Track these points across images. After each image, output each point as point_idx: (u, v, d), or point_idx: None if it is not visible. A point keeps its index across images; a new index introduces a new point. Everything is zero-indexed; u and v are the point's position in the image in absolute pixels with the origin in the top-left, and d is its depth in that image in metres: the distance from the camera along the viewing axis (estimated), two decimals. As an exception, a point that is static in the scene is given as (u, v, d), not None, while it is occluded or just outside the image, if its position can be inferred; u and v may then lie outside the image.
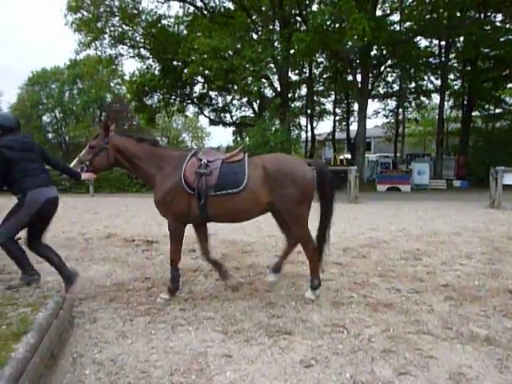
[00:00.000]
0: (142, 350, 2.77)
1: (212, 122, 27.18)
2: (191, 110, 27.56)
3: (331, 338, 2.95)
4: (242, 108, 27.98)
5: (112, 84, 35.75)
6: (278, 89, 21.20)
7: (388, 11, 22.24)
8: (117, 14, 20.34)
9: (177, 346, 2.84)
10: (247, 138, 21.13)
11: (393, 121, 29.54)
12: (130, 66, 57.05)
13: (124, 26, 20.93)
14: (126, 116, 33.45)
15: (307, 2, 19.38)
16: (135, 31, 21.57)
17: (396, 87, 26.97)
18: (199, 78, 22.60)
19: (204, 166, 3.71)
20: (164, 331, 3.08)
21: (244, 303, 3.68)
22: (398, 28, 21.20)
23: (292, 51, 17.69)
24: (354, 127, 28.48)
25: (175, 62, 21.82)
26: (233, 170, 3.72)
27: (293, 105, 26.36)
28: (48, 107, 37.69)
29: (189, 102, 25.75)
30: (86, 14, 19.45)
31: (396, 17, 21.92)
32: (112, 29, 20.58)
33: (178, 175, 3.73)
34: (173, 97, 24.82)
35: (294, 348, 2.80)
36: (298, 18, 21.30)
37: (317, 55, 23.04)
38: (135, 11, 20.80)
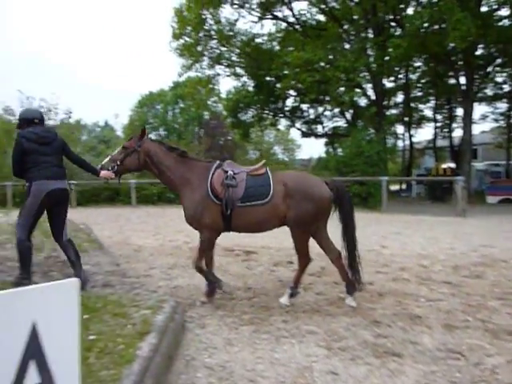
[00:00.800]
0: (248, 359, 2.85)
1: (304, 134, 27.29)
2: (283, 123, 28.05)
3: (447, 365, 2.72)
4: (334, 118, 27.67)
5: (209, 102, 38.11)
6: (373, 97, 20.54)
7: (495, 6, 20.25)
8: (214, 36, 21.70)
9: (282, 357, 2.87)
10: (339, 149, 20.81)
11: (504, 125, 26.57)
12: (226, 84, 60.52)
13: (221, 48, 22.22)
14: (222, 132, 35.29)
15: (402, 6, 18.57)
16: (231, 51, 22.75)
17: (507, 88, 24.27)
18: (291, 92, 22.94)
19: (231, 177, 3.84)
20: (268, 342, 3.13)
21: (347, 319, 3.58)
22: (507, 23, 19.13)
23: (387, 58, 17.05)
24: (457, 133, 26.31)
25: (268, 78, 22.46)
26: (258, 183, 3.86)
27: (388, 113, 25.26)
28: (154, 126, 41.46)
29: (281, 115, 26.25)
30: (187, 39, 21.10)
31: (505, 11, 19.83)
32: (210, 51, 21.99)
33: (206, 186, 3.86)
34: (266, 111, 25.53)
35: (405, 372, 2.64)
36: (393, 24, 20.49)
37: (414, 59, 21.83)
38: (231, 33, 21.98)
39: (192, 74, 23.86)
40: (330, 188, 3.92)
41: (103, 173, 4.15)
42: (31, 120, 4.06)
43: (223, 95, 32.54)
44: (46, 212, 4.03)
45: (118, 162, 4.09)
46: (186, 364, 2.79)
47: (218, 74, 23.67)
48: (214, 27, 21.54)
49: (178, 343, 3.00)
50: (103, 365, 2.20)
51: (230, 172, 3.89)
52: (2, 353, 1.41)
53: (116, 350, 2.36)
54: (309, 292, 4.42)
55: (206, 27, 21.23)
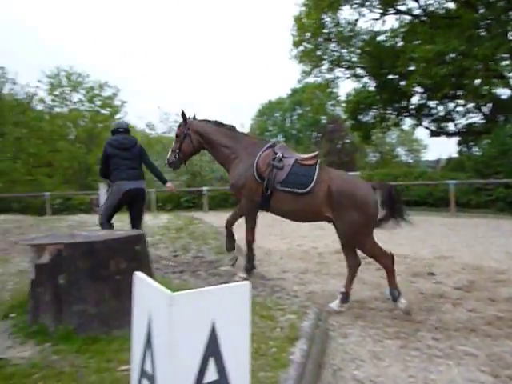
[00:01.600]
0: (399, 376, 2.67)
1: (433, 134, 25.10)
2: (408, 122, 26.22)
3: None
4: (468, 114, 24.85)
5: (327, 106, 37.88)
6: (518, 87, 17.88)
7: None
8: (334, 39, 21.47)
9: (439, 379, 2.61)
10: (476, 148, 18.57)
11: None
12: (345, 87, 59.34)
13: (341, 50, 21.87)
14: (340, 135, 34.67)
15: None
16: (351, 53, 22.23)
17: None
18: (417, 89, 21.36)
19: (278, 159, 3.86)
20: (419, 360, 2.89)
21: (511, 343, 3.11)
22: None
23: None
24: None
25: (391, 76, 21.31)
26: (302, 172, 3.81)
27: (538, 104, 21.72)
28: (273, 133, 42.82)
29: (406, 114, 24.61)
30: (307, 45, 21.29)
31: None
32: (330, 54, 21.83)
33: (252, 163, 3.92)
34: (388, 111, 24.24)
35: None
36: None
37: None
38: (351, 33, 21.49)
39: (311, 79, 24.00)
40: (378, 192, 3.78)
41: (168, 185, 4.83)
42: (117, 129, 4.74)
43: (342, 98, 31.92)
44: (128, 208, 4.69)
45: (177, 151, 4.38)
46: (334, 374, 2.74)
47: (338, 77, 23.31)
48: (334, 30, 21.31)
49: (324, 351, 2.96)
50: (260, 366, 2.28)
51: (279, 154, 3.92)
52: (188, 349, 1.54)
53: (269, 353, 2.43)
54: (458, 308, 3.98)
55: (326, 31, 21.13)
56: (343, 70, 23.04)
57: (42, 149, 27.59)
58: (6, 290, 3.41)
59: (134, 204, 4.66)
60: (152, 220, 7.57)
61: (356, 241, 3.81)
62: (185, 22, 76.23)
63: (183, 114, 4.44)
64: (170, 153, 4.56)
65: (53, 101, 28.75)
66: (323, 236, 9.18)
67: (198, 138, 4.35)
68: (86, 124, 29.19)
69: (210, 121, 4.48)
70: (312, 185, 3.76)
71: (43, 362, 2.33)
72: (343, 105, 26.94)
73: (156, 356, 1.40)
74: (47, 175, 29.19)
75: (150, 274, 2.88)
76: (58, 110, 28.77)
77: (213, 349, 1.63)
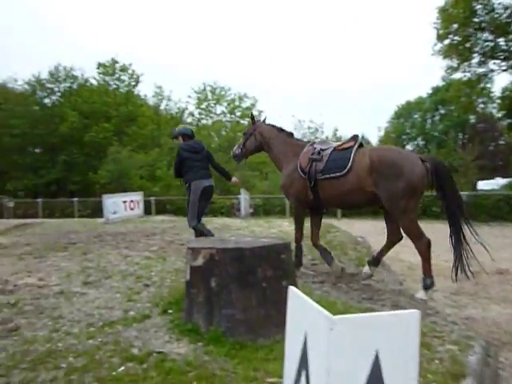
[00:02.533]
0: None
1: None
2: None
3: None
4: None
5: (476, 104, 33.59)
6: None
7: None
8: (487, 28, 18.92)
9: None
10: None
11: None
12: (500, 81, 51.74)
13: (496, 39, 19.15)
14: (492, 136, 30.35)
15: None
16: (509, 41, 19.27)
17: None
18: None
19: (317, 153, 4.20)
20: None
21: None
22: None
23: None
24: None
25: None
26: (339, 156, 4.04)
27: None
28: (411, 136, 39.85)
29: None
30: (454, 38, 19.23)
31: None
32: (482, 45, 19.30)
33: (296, 161, 4.32)
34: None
35: None
36: None
37: None
38: (508, 19, 18.63)
39: (458, 75, 21.58)
40: (426, 164, 3.74)
41: (233, 180, 5.68)
42: (187, 135, 5.39)
43: (496, 94, 27.91)
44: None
45: (242, 146, 5.04)
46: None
47: (492, 71, 20.46)
48: (487, 18, 18.80)
49: (495, 395, 2.49)
50: (420, 403, 1.99)
51: (318, 148, 4.26)
52: (348, 378, 1.40)
53: (430, 388, 2.12)
54: None
55: (477, 20, 18.78)
56: (498, 61, 20.13)
57: (190, 157, 30.84)
58: (164, 287, 3.77)
59: (204, 200, 5.22)
60: (289, 226, 7.63)
61: (396, 212, 3.80)
62: (311, 24, 76.80)
63: (252, 117, 5.19)
64: (236, 146, 5.24)
65: (200, 114, 31.87)
66: (478, 252, 8.03)
67: (260, 138, 4.91)
68: (226, 134, 31.52)
69: (274, 126, 4.98)
70: (350, 165, 3.94)
71: (196, 361, 2.45)
72: (497, 101, 23.52)
73: (312, 380, 1.30)
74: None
75: (294, 283, 2.83)
76: (204, 121, 31.76)
77: (375, 380, 1.45)
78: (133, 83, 33.80)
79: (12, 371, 2.36)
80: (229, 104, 31.56)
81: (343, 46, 75.19)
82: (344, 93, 64.80)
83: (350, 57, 76.01)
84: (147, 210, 13.25)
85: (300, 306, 1.38)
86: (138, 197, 11.93)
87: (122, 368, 2.36)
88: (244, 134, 5.20)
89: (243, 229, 7.31)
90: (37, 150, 31.34)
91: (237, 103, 31.62)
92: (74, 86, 32.43)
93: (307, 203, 4.42)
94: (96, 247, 5.56)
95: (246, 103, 31.16)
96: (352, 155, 3.98)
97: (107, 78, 33.08)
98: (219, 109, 31.63)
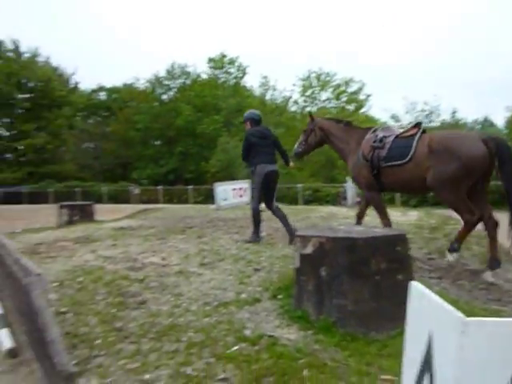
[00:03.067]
0: None
1: None
2: None
3: None
4: None
5: None
6: None
7: None
8: None
9: None
10: None
11: None
12: None
13: None
14: None
15: None
16: None
17: None
18: None
19: (378, 140, 4.25)
20: None
21: None
22: None
23: None
24: None
25: None
26: (401, 144, 4.12)
27: None
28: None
29: None
30: None
31: None
32: None
33: (359, 149, 4.40)
34: None
35: None
36: None
37: None
38: None
39: None
40: (488, 145, 3.71)
41: (291, 164, 5.76)
42: (254, 120, 5.44)
43: None
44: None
45: (304, 142, 5.23)
46: None
47: None
48: None
49: None
50: None
51: (380, 135, 4.30)
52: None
53: None
54: None
55: None
56: None
57: (293, 145, 31.03)
58: (273, 272, 3.85)
59: (271, 184, 5.30)
60: (400, 217, 7.19)
61: (441, 193, 3.95)
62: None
63: (310, 114, 5.44)
64: (297, 143, 5.39)
65: (304, 101, 31.75)
66: None
67: (321, 133, 5.06)
68: (331, 120, 30.83)
69: (332, 118, 5.37)
70: (411, 153, 3.97)
71: (307, 348, 2.45)
72: None
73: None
74: (298, 168, 32.68)
75: (410, 278, 2.63)
76: (308, 109, 31.59)
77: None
78: (240, 75, 35.08)
79: (141, 339, 2.64)
80: (334, 90, 30.82)
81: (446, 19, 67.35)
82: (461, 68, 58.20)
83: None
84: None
85: (424, 303, 1.26)
86: (246, 185, 12.42)
87: (236, 347, 2.47)
88: (304, 132, 5.38)
89: (351, 218, 7.08)
90: (157, 143, 34.68)
91: (342, 88, 30.70)
92: (188, 82, 34.89)
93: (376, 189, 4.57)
94: (209, 231, 5.93)
95: (353, 88, 30.05)
96: (415, 143, 4.04)
97: (216, 72, 34.88)
98: (324, 95, 31.09)
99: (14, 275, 4.10)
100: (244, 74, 35.07)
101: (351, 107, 30.76)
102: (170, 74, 34.70)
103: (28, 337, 3.52)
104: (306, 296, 2.85)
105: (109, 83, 36.98)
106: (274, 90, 33.98)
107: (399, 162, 4.08)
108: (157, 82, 34.84)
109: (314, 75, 30.58)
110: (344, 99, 30.64)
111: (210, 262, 4.23)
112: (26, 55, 35.36)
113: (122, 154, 33.54)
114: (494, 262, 3.78)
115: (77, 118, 36.14)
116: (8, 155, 33.64)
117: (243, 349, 2.46)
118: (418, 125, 4.28)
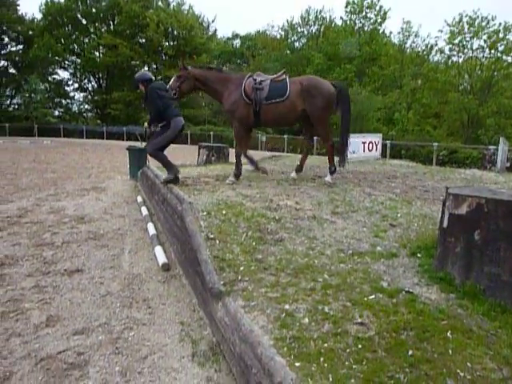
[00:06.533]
0: None
1: None
2: None
3: None
4: None
5: None
6: None
7: None
8: None
9: None
10: None
11: None
12: None
13: None
14: None
15: None
16: None
17: None
18: None
19: (258, 83, 5.41)
20: None
21: None
22: None
23: None
24: None
25: None
26: (278, 86, 5.39)
27: None
28: None
29: None
30: None
31: None
32: None
33: (240, 91, 5.42)
34: None
35: None
36: None
37: None
38: None
39: None
40: (335, 88, 5.48)
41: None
42: (151, 80, 5.28)
43: None
44: None
45: (178, 89, 5.57)
46: None
47: None
48: None
49: None
50: None
51: (258, 79, 5.46)
52: None
53: None
54: None
55: None
56: None
57: (432, 100, 28.04)
58: (411, 230, 3.66)
59: (179, 136, 5.43)
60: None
61: (316, 121, 5.58)
62: None
63: (183, 66, 5.72)
64: (167, 87, 5.58)
65: (450, 50, 28.03)
66: None
67: (195, 81, 5.65)
68: (481, 73, 26.88)
69: (201, 67, 6.00)
70: (288, 92, 5.33)
71: (450, 311, 2.32)
72: None
73: None
74: (433, 126, 29.69)
75: None
76: (454, 59, 27.94)
77: None
78: (379, 20, 32.29)
79: (280, 273, 2.82)
80: (489, 37, 26.38)
81: None
82: None
83: None
84: (382, 153, 13.01)
85: None
86: (377, 138, 11.77)
87: (373, 296, 2.47)
88: (177, 77, 5.66)
89: (501, 183, 6.24)
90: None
91: (501, 35, 26.11)
92: (322, 29, 33.51)
93: (247, 124, 5.58)
94: (339, 182, 5.85)
95: (517, 34, 25.34)
96: (288, 85, 5.37)
97: (353, 17, 32.66)
98: (476, 43, 26.89)
99: (169, 202, 4.71)
100: (384, 19, 32.12)
101: (509, 58, 26.10)
102: (305, 20, 33.68)
103: (179, 255, 4.06)
104: (452, 258, 2.66)
105: (243, 31, 37.64)
106: (416, 36, 30.63)
107: (278, 100, 5.30)
108: (290, 28, 34.26)
109: (466, 19, 26.44)
110: (501, 48, 26.06)
111: (342, 211, 4.21)
112: (173, 3, 37.83)
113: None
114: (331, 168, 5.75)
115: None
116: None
117: (380, 299, 2.45)
118: (284, 73, 5.63)
